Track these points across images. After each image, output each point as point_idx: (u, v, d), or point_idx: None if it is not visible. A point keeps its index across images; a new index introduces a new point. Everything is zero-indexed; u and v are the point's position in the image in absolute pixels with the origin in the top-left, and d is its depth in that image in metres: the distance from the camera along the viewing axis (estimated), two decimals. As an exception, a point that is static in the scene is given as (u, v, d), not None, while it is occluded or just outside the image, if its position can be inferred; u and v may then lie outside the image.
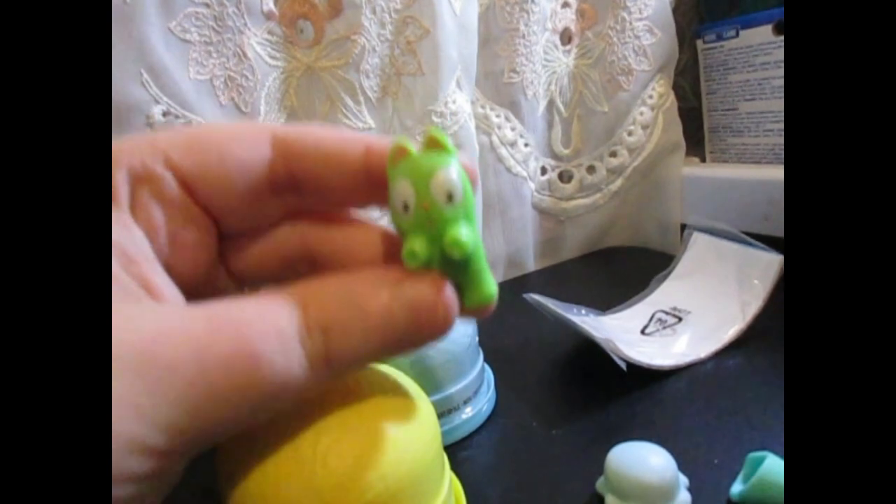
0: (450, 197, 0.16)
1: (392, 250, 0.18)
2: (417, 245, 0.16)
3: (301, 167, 0.18)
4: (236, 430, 0.14)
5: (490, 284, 0.17)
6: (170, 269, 0.17)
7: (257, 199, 0.18)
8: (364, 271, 0.16)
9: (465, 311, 0.17)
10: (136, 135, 0.17)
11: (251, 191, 0.18)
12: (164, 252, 0.17)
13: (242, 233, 0.19)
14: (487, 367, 0.40)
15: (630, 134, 0.63)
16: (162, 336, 0.13)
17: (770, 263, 0.44)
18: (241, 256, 0.19)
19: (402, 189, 0.16)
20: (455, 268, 0.16)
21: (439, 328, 0.16)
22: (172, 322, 0.13)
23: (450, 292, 0.16)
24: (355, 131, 0.18)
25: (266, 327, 0.14)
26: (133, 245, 0.15)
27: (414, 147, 0.16)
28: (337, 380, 0.19)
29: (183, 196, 0.17)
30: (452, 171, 0.16)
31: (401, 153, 0.16)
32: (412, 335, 0.16)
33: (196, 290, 0.18)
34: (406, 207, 0.16)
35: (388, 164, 0.17)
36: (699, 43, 0.62)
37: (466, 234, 0.16)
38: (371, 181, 0.18)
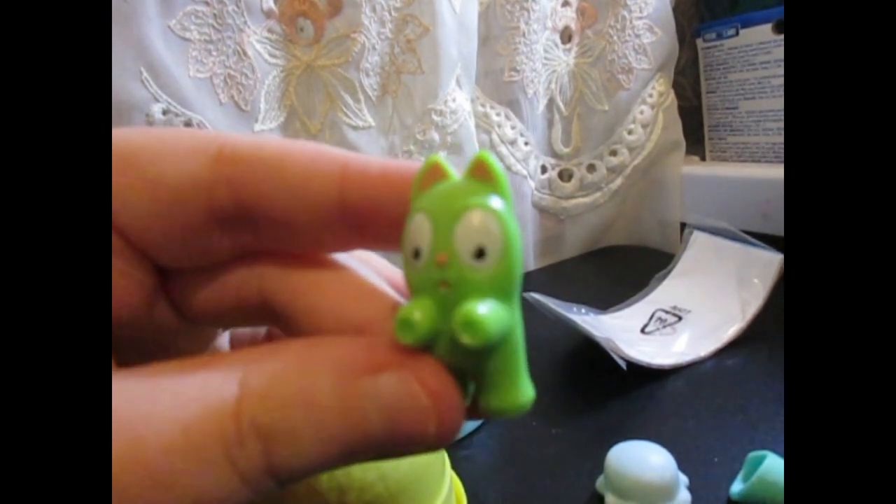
0: (480, 253, 0.11)
1: (384, 313, 0.13)
2: (418, 312, 0.11)
3: (251, 196, 0.13)
4: None
5: (522, 388, 0.12)
6: None
7: (195, 233, 0.14)
8: (330, 345, 0.12)
9: (481, 413, 0.13)
10: None
11: (185, 224, 0.13)
12: None
13: (189, 269, 0.15)
14: (487, 366, 0.40)
15: (630, 133, 0.63)
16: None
17: (770, 262, 0.44)
18: (188, 295, 0.15)
19: (417, 228, 0.11)
20: (471, 358, 0.11)
21: (429, 443, 0.12)
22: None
23: (451, 396, 0.11)
24: (329, 150, 0.14)
25: (170, 425, 0.10)
26: None
27: (454, 170, 0.12)
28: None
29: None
30: (492, 215, 0.11)
31: (433, 175, 0.12)
32: (390, 447, 0.12)
33: (134, 326, 0.14)
34: (417, 254, 0.11)
35: (413, 191, 0.12)
36: (699, 42, 0.61)
37: (490, 312, 0.11)
38: (347, 219, 0.13)
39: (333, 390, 0.11)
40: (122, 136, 0.13)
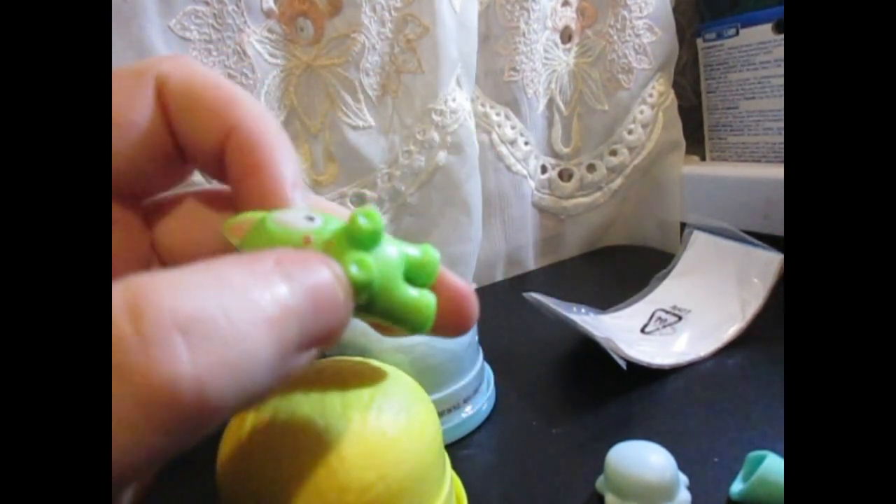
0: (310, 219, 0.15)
1: None
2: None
3: (177, 124, 0.15)
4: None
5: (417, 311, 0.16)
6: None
7: (161, 159, 0.16)
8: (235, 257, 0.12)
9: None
10: None
11: (150, 151, 0.15)
12: None
13: (168, 208, 0.16)
14: (487, 366, 0.40)
15: (630, 132, 0.63)
16: None
17: (770, 262, 0.44)
18: (166, 235, 0.17)
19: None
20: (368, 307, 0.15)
21: (341, 314, 0.13)
22: None
23: (351, 266, 0.14)
24: (233, 100, 0.16)
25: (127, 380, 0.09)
26: None
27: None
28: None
29: None
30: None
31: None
32: (314, 327, 0.12)
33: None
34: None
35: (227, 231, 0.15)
36: (699, 41, 0.61)
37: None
38: (222, 169, 0.16)
39: (248, 274, 0.11)
40: None
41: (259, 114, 0.16)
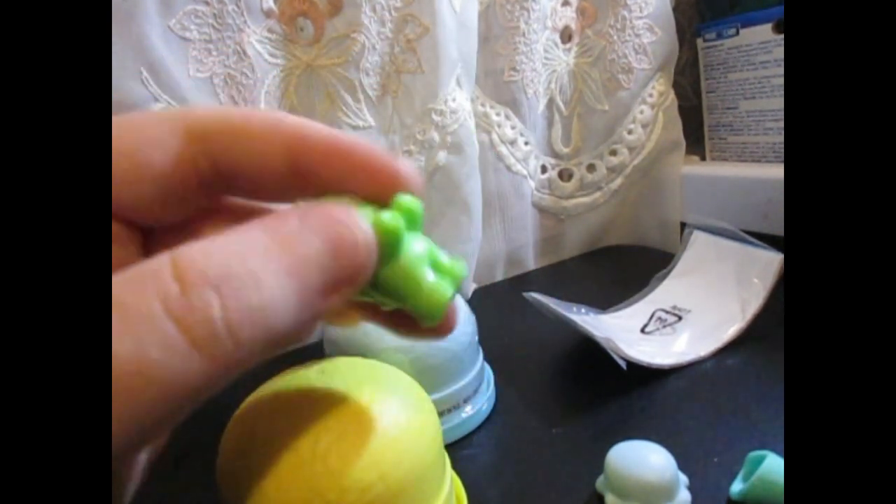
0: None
1: None
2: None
3: (223, 163, 0.16)
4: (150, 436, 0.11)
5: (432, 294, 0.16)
6: None
7: (179, 198, 0.16)
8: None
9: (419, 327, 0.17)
10: None
11: (171, 192, 0.16)
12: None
13: (170, 227, 0.17)
14: (487, 366, 0.40)
15: (630, 132, 0.63)
16: None
17: (770, 262, 0.44)
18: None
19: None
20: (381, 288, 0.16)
21: (363, 256, 0.14)
22: None
23: (361, 215, 0.15)
24: (284, 119, 0.16)
25: (116, 327, 0.10)
26: None
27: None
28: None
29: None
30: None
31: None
32: (335, 272, 0.13)
33: None
34: None
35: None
36: (699, 41, 0.61)
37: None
38: (298, 179, 0.16)
39: (267, 232, 0.13)
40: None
41: (309, 123, 0.16)
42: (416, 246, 0.16)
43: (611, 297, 0.50)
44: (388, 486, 0.19)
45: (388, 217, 0.15)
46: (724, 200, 0.58)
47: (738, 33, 0.57)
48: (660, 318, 0.46)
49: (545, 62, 0.60)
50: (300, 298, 0.13)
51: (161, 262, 0.11)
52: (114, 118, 0.15)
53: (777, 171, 0.54)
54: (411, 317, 0.17)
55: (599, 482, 0.29)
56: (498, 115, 0.59)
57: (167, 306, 0.11)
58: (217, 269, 0.11)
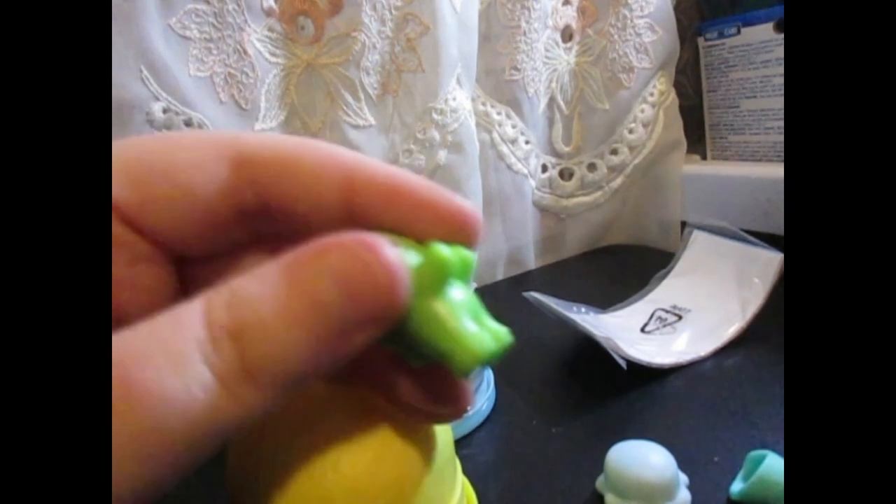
0: None
1: None
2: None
3: (271, 195, 0.15)
4: (181, 473, 0.12)
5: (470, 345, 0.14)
6: (122, 315, 0.14)
7: (217, 228, 0.16)
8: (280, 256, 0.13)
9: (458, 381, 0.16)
10: None
11: (209, 222, 0.15)
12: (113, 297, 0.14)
13: (205, 258, 0.16)
14: (487, 366, 0.40)
15: (631, 131, 0.63)
16: None
17: (770, 261, 0.44)
18: (202, 284, 0.16)
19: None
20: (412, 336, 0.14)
21: (385, 296, 0.13)
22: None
23: (388, 247, 0.13)
24: (339, 154, 0.15)
25: (148, 346, 0.11)
26: None
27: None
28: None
29: (128, 234, 0.14)
30: None
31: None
32: (353, 315, 0.13)
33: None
34: None
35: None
36: (700, 40, 0.61)
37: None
38: (353, 218, 0.15)
39: (283, 276, 0.13)
40: (146, 145, 0.15)
41: (365, 159, 0.16)
42: (459, 293, 0.15)
43: (611, 296, 0.50)
44: (401, 490, 0.19)
45: (441, 248, 0.14)
46: (724, 200, 0.58)
47: (739, 32, 0.57)
48: (660, 318, 0.46)
49: (546, 61, 0.60)
50: (314, 345, 0.12)
51: (194, 309, 0.12)
52: (157, 134, 0.15)
53: (778, 171, 0.54)
54: (428, 394, 0.16)
55: (599, 482, 0.29)
56: (499, 114, 0.59)
57: (200, 350, 0.12)
58: (235, 322, 0.12)
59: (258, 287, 0.12)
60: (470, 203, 0.16)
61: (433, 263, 0.14)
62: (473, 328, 0.15)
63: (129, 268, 0.15)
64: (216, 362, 0.12)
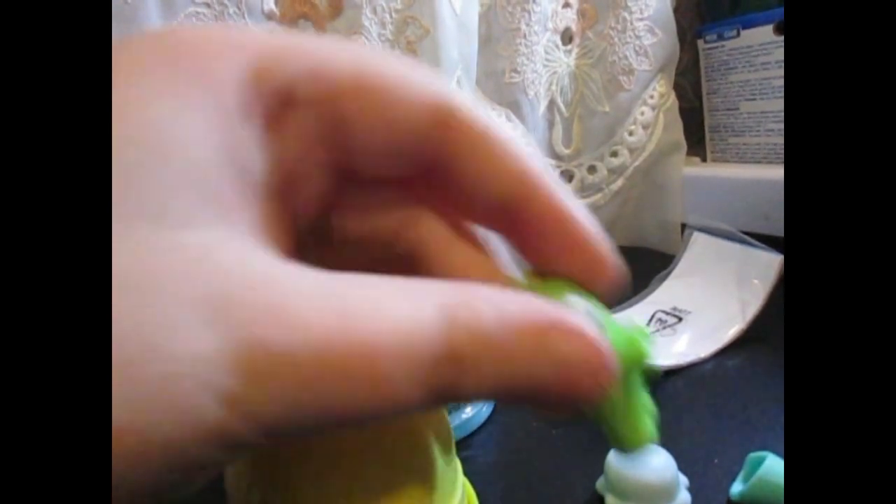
0: None
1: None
2: None
3: (455, 155, 0.14)
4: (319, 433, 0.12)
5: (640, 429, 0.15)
6: (272, 220, 0.13)
7: (398, 166, 0.15)
8: (517, 297, 0.13)
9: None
10: (307, 40, 0.13)
11: (396, 157, 0.14)
12: (273, 194, 0.13)
13: (361, 189, 0.15)
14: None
15: (631, 134, 0.63)
16: (282, 311, 0.10)
17: (770, 263, 0.44)
18: (348, 216, 0.16)
19: (576, 305, 0.15)
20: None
21: (594, 394, 0.13)
22: (298, 298, 0.10)
23: (610, 355, 0.13)
24: (431, 78, 0.14)
25: (401, 349, 0.11)
26: (251, 164, 0.12)
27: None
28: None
29: (323, 137, 0.14)
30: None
31: None
32: (551, 398, 0.12)
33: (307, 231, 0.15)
34: None
35: None
36: (700, 43, 0.61)
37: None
38: (437, 156, 0.14)
39: (521, 337, 0.12)
40: (375, 63, 0.14)
41: (550, 177, 0.15)
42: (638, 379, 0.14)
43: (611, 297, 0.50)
44: (402, 485, 0.19)
45: (642, 341, 0.14)
46: (724, 202, 0.58)
47: (738, 35, 0.57)
48: (660, 319, 0.46)
49: (546, 64, 0.60)
50: (499, 396, 0.13)
51: (435, 318, 0.11)
52: (377, 55, 0.14)
53: (778, 173, 0.54)
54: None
55: (600, 483, 0.29)
56: (499, 116, 0.59)
57: (434, 364, 0.11)
58: (467, 351, 0.12)
59: (498, 330, 0.12)
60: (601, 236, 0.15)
61: (634, 358, 0.14)
62: (648, 421, 0.15)
63: (302, 171, 0.14)
64: (435, 381, 0.11)
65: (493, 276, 0.16)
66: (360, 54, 0.14)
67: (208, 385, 0.09)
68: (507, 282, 0.15)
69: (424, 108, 0.14)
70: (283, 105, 0.13)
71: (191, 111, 0.12)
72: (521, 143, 0.15)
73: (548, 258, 0.15)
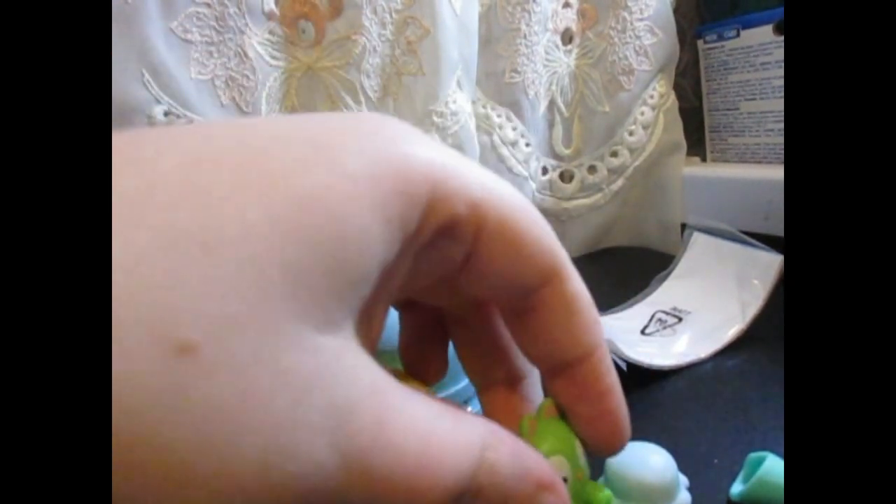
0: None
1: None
2: None
3: (541, 307, 0.16)
4: None
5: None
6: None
7: (489, 294, 0.16)
8: (528, 451, 0.15)
9: None
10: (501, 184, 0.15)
11: (495, 291, 0.16)
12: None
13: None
14: (488, 367, 0.40)
15: (631, 134, 0.63)
16: (386, 430, 0.12)
17: (770, 263, 0.44)
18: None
19: (559, 465, 0.16)
20: None
21: None
22: (399, 420, 0.12)
23: None
24: (552, 239, 0.15)
25: (448, 488, 0.12)
26: (392, 282, 0.14)
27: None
28: None
29: (453, 263, 0.15)
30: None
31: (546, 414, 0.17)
32: None
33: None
34: (564, 480, 0.16)
35: (526, 432, 0.16)
36: (700, 43, 0.62)
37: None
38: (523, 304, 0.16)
39: (523, 486, 0.14)
40: (514, 210, 0.14)
41: (578, 283, 0.16)
42: None
43: (611, 298, 0.50)
44: None
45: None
46: (724, 202, 0.58)
47: (738, 35, 0.57)
48: (660, 320, 0.46)
49: (546, 64, 0.61)
50: None
51: (476, 452, 0.13)
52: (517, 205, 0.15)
53: (778, 173, 0.54)
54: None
55: (600, 483, 0.29)
56: (499, 116, 0.59)
57: (461, 488, 0.13)
58: (488, 486, 0.13)
59: (511, 478, 0.14)
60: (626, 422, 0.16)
61: None
62: None
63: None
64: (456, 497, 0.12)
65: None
66: (509, 197, 0.14)
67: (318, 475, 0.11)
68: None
69: (539, 269, 0.15)
70: (439, 235, 0.14)
71: (382, 225, 0.12)
72: (592, 307, 0.16)
73: (571, 402, 0.16)
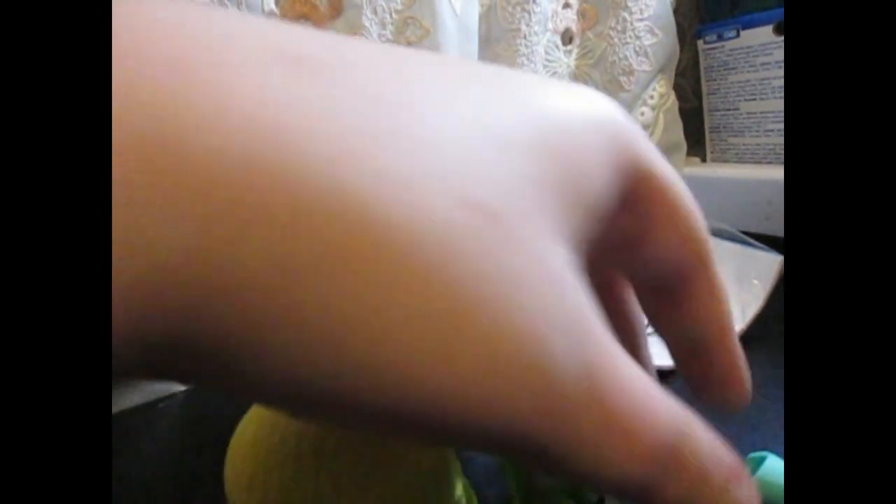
0: None
1: None
2: None
3: (687, 283, 0.17)
4: None
5: None
6: None
7: (642, 268, 0.16)
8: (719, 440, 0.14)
9: None
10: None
11: (646, 266, 0.16)
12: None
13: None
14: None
15: (631, 134, 0.63)
16: (622, 378, 0.11)
17: (770, 264, 0.44)
18: None
19: None
20: None
21: None
22: (628, 381, 0.12)
23: None
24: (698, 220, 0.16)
25: (660, 421, 0.12)
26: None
27: None
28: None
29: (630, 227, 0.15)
30: None
31: None
32: None
33: None
34: None
35: None
36: (700, 43, 0.62)
37: None
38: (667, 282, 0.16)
39: (719, 472, 0.13)
40: (677, 180, 0.15)
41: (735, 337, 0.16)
42: None
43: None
44: (401, 488, 0.19)
45: None
46: (724, 202, 0.58)
47: (738, 35, 0.57)
48: (660, 320, 0.46)
49: (546, 64, 0.60)
50: None
51: (679, 427, 0.12)
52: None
53: (778, 173, 0.54)
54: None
55: (600, 484, 0.29)
56: (498, 116, 0.59)
57: (647, 465, 0.12)
58: (674, 469, 0.12)
59: (709, 459, 0.13)
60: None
61: None
62: None
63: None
64: (648, 463, 0.12)
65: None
66: (673, 172, 0.15)
67: None
68: None
69: (695, 250, 0.15)
70: (625, 202, 0.14)
71: (612, 171, 0.13)
72: (727, 295, 0.16)
73: (699, 378, 0.17)
